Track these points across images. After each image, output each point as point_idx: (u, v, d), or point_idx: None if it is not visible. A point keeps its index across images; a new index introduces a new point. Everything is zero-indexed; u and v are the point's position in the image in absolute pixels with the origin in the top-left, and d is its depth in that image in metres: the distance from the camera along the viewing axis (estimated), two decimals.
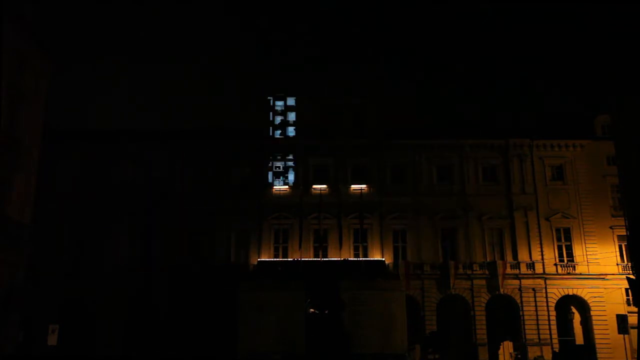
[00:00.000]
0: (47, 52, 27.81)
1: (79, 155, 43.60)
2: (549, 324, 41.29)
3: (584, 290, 42.03)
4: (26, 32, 25.34)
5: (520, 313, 41.70)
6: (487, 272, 42.25)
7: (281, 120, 45.57)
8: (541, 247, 43.01)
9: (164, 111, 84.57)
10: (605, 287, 41.80)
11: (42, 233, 34.75)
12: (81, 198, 42.17)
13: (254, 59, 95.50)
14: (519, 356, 41.21)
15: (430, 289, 42.12)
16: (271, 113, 45.67)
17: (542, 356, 40.15)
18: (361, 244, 43.27)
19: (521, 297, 42.00)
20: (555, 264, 42.80)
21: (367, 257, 42.60)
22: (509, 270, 42.19)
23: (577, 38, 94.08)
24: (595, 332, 41.10)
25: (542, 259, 42.81)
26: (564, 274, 42.54)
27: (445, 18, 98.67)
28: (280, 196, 43.87)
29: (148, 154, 44.67)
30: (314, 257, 42.45)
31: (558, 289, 42.21)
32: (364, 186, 44.06)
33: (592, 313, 41.59)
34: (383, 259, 42.05)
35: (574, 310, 43.01)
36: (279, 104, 45.90)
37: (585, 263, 42.62)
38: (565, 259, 43.10)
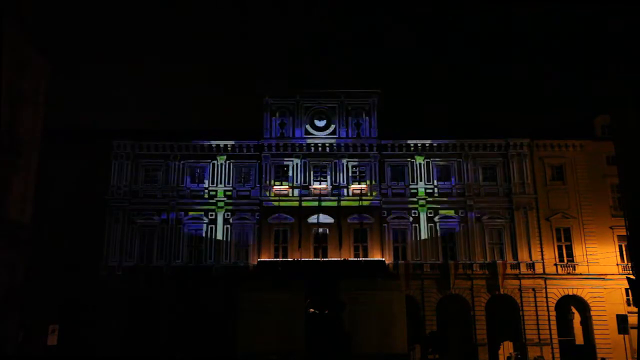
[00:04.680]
0: (47, 52, 27.80)
1: (78, 155, 43.64)
2: (549, 324, 41.33)
3: (584, 290, 42.04)
4: (26, 32, 25.32)
5: (520, 313, 41.72)
6: (487, 272, 42.27)
7: (280, 119, 45.62)
8: (541, 247, 43.03)
9: (163, 111, 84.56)
10: (605, 287, 41.82)
11: (42, 233, 34.73)
12: (81, 198, 42.19)
13: (253, 56, 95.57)
14: (519, 356, 41.23)
15: (430, 289, 42.14)
16: (270, 112, 45.70)
17: (542, 356, 40.17)
18: (361, 244, 43.30)
19: (521, 297, 42.02)
20: (555, 264, 42.83)
21: (367, 257, 42.62)
22: (509, 270, 42.22)
23: (577, 37, 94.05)
24: (595, 332, 41.12)
25: (542, 259, 42.83)
26: (564, 274, 42.56)
27: (445, 17, 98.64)
28: (280, 196, 43.91)
29: (148, 153, 44.90)
30: (314, 257, 42.49)
31: (558, 289, 42.23)
32: (364, 186, 44.12)
33: (592, 313, 41.63)
34: (383, 259, 42.08)
35: (574, 310, 43.03)
36: (278, 103, 45.91)
37: (585, 263, 42.65)
38: (565, 259, 43.13)
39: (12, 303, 24.40)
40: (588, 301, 41.83)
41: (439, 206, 44.05)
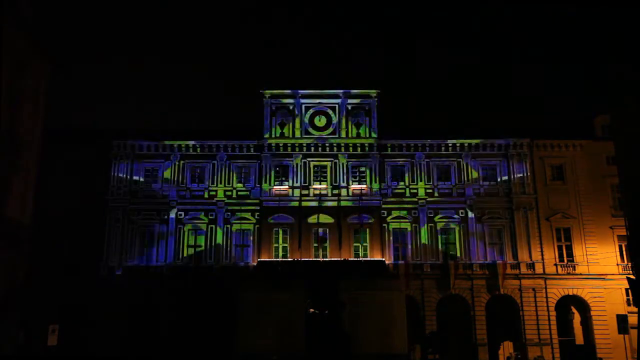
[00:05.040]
0: (47, 52, 27.77)
1: (78, 155, 43.61)
2: (549, 324, 41.32)
3: (584, 290, 42.05)
4: (26, 32, 25.28)
5: (520, 313, 41.72)
6: (487, 272, 42.26)
7: (280, 119, 45.61)
8: (541, 247, 43.03)
9: (163, 111, 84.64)
10: (605, 287, 41.82)
11: (42, 233, 34.71)
12: (81, 198, 42.18)
13: (252, 56, 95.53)
14: (519, 356, 41.23)
15: (430, 289, 42.13)
16: (270, 112, 45.68)
17: (542, 356, 40.16)
18: (361, 244, 43.30)
19: (521, 297, 42.02)
20: (555, 264, 42.84)
21: (367, 257, 42.62)
22: (509, 270, 42.21)
23: (577, 38, 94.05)
24: (595, 332, 41.13)
25: (542, 259, 42.83)
26: (564, 274, 42.56)
27: (445, 17, 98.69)
28: (280, 196, 43.89)
29: (148, 153, 44.94)
30: (314, 257, 42.49)
31: (558, 289, 42.23)
32: (364, 186, 44.13)
33: (592, 313, 41.63)
34: (383, 259, 42.06)
35: (574, 310, 43.03)
36: (278, 103, 45.92)
37: (585, 263, 42.64)
38: (565, 259, 43.13)
39: (12, 303, 24.37)
40: (588, 301, 41.83)
41: (439, 206, 44.03)
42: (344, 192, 43.98)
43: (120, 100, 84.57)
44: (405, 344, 35.80)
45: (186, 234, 43.55)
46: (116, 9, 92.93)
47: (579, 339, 42.34)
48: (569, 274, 42.55)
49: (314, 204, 43.26)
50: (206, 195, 44.26)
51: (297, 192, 43.86)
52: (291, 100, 45.88)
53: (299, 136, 45.12)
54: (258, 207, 43.84)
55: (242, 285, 38.12)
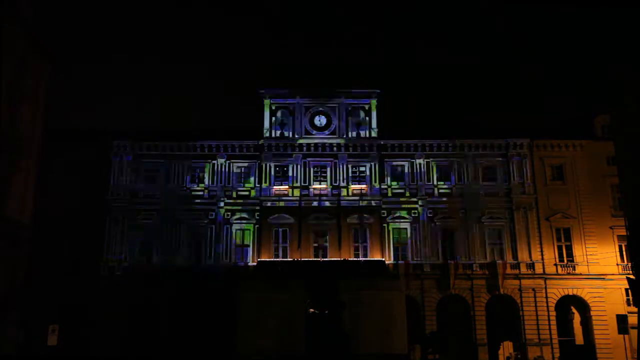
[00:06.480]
0: (47, 52, 27.77)
1: (78, 155, 43.58)
2: (549, 324, 41.32)
3: (584, 290, 42.05)
4: (26, 32, 25.27)
5: (520, 313, 41.72)
6: (487, 272, 42.26)
7: (280, 119, 45.61)
8: (541, 247, 43.03)
9: (163, 111, 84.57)
10: (605, 287, 41.82)
11: (42, 233, 34.68)
12: (81, 198, 42.15)
13: (252, 56, 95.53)
14: (519, 356, 41.23)
15: (430, 289, 42.13)
16: (270, 112, 45.67)
17: (542, 356, 40.17)
18: (361, 244, 43.29)
19: (521, 297, 42.02)
20: (555, 264, 42.83)
21: (367, 257, 42.61)
22: (509, 270, 42.22)
23: (577, 38, 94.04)
24: (595, 332, 41.13)
25: (542, 259, 42.83)
26: (564, 274, 42.57)
27: (445, 17, 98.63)
28: (280, 196, 43.89)
29: (148, 153, 44.91)
30: (314, 257, 42.48)
31: (558, 289, 42.23)
32: (364, 186, 44.12)
33: (592, 313, 41.63)
34: (383, 259, 42.05)
35: (574, 310, 43.02)
36: (278, 103, 45.90)
37: (585, 263, 42.65)
38: (565, 259, 43.13)
39: (12, 303, 24.35)
40: (588, 301, 41.83)
41: (438, 206, 44.02)
42: (344, 192, 43.97)
43: (120, 100, 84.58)
44: (405, 344, 35.78)
45: (187, 233, 43.50)
46: (116, 8, 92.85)
47: (579, 339, 42.35)
48: (569, 274, 42.55)
49: (314, 204, 43.28)
50: (206, 195, 44.23)
51: (297, 192, 43.85)
52: (291, 100, 45.86)
53: (299, 136, 45.12)
54: (258, 207, 43.82)
55: (242, 285, 38.12)
